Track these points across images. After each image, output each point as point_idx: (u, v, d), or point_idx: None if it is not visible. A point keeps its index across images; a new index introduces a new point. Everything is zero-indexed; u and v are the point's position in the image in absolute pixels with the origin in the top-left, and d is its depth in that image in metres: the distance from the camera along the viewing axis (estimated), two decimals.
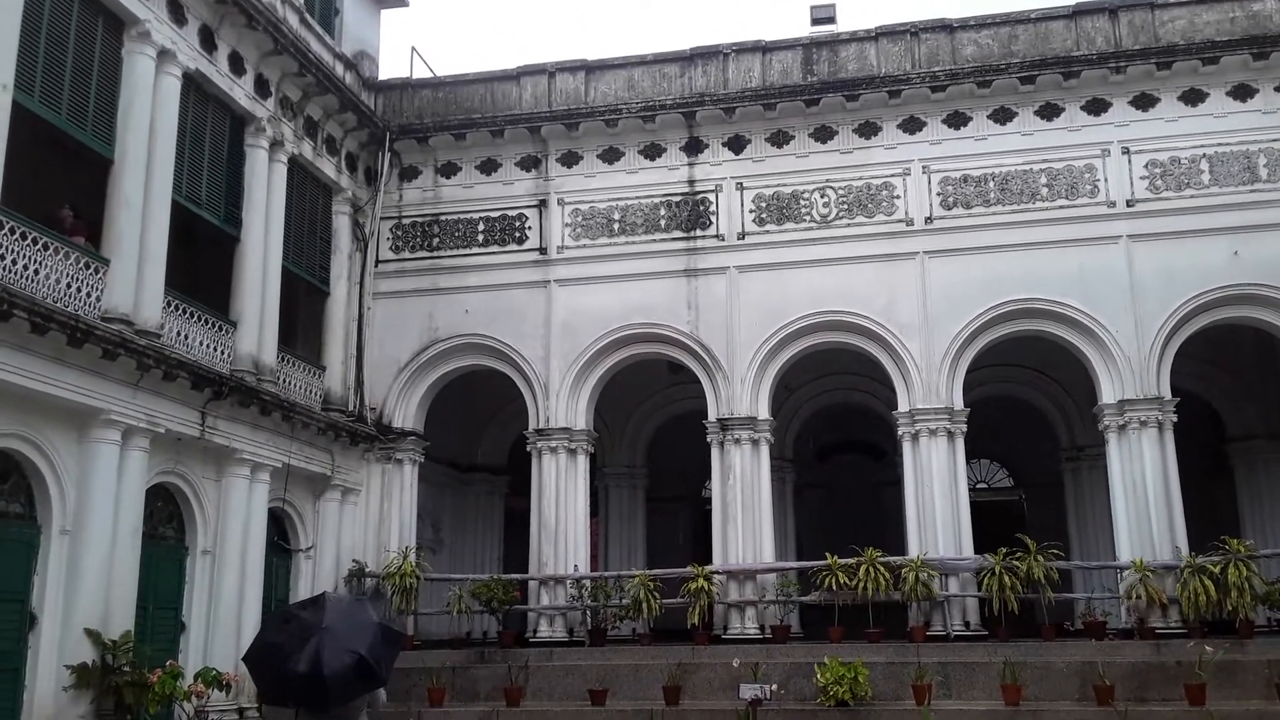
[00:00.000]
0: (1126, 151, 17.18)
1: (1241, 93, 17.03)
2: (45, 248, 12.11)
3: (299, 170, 17.38)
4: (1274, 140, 16.73)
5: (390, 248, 19.37)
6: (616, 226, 18.62)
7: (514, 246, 18.92)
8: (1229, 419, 20.68)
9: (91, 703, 12.10)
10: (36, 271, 11.92)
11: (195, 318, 14.66)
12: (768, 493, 17.56)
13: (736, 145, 18.50)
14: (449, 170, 19.47)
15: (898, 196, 17.79)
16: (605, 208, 18.71)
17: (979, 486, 24.17)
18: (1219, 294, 16.52)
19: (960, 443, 17.05)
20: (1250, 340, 18.43)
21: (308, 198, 17.81)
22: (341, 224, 18.61)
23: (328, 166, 18.19)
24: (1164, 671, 13.99)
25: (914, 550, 16.43)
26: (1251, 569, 15.06)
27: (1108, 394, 16.73)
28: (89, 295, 12.67)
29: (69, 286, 12.39)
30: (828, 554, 16.42)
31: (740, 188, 18.33)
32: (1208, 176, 16.88)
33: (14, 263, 11.62)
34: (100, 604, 12.35)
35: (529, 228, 18.93)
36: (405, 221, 19.43)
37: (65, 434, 12.34)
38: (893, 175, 17.88)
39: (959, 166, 17.65)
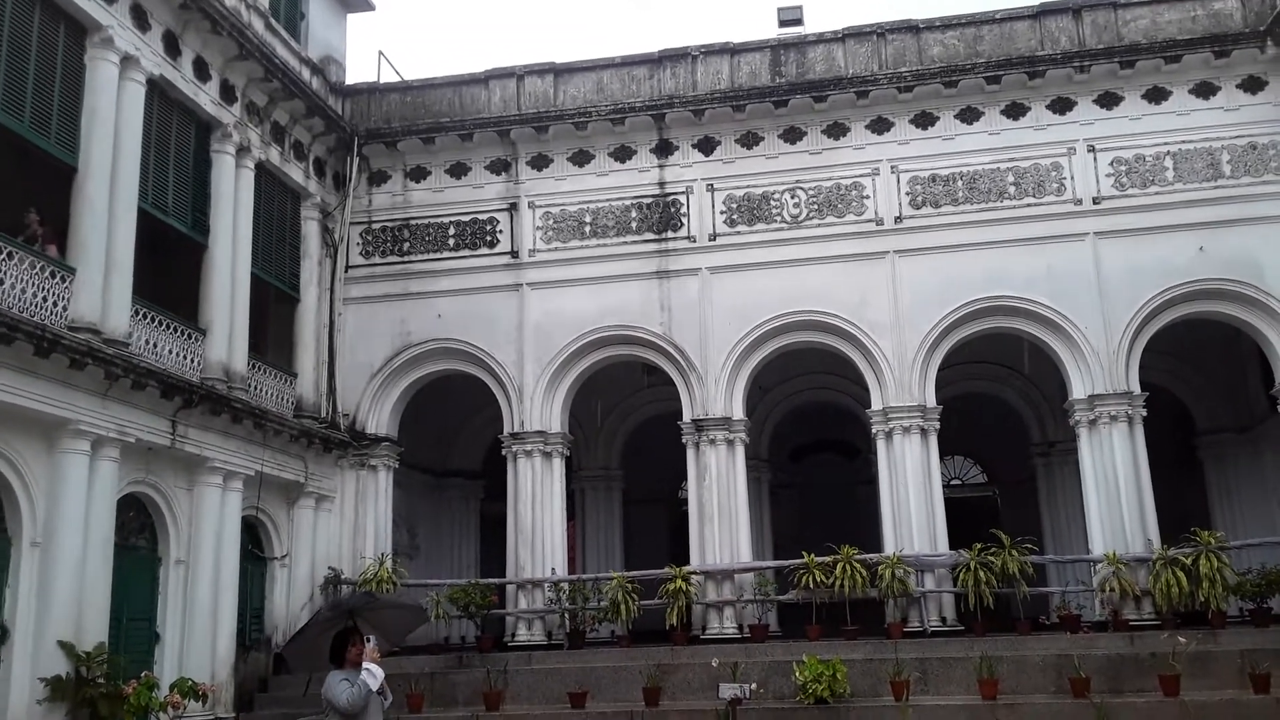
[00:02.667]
0: (1092, 149, 17.37)
1: (1204, 90, 17.26)
2: (10, 257, 11.97)
3: (266, 176, 17.25)
4: (1237, 137, 16.97)
5: (360, 253, 19.28)
6: (588, 229, 18.61)
7: (485, 250, 18.87)
8: (1198, 413, 20.94)
9: (66, 715, 11.94)
10: (1, 281, 11.76)
11: (164, 326, 14.52)
12: (744, 493, 17.59)
13: (706, 147, 18.55)
14: (418, 174, 19.40)
15: (867, 196, 17.89)
16: (576, 210, 18.70)
17: (953, 483, 24.34)
18: (1185, 289, 16.72)
19: (934, 440, 17.17)
20: (1218, 335, 18.65)
21: (276, 203, 17.69)
22: (310, 230, 18.50)
23: (296, 172, 18.08)
24: (1138, 663, 14.11)
25: (890, 548, 16.52)
26: (1223, 560, 15.22)
27: (1078, 389, 16.89)
28: (55, 304, 12.52)
29: (35, 296, 12.24)
30: (804, 553, 16.46)
31: (711, 189, 18.38)
32: (1172, 173, 17.09)
33: None
34: (73, 616, 12.20)
35: (500, 231, 18.89)
36: (375, 226, 19.33)
37: (34, 445, 12.18)
38: (862, 175, 17.98)
39: (927, 166, 17.78)
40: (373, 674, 7.73)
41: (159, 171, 14.79)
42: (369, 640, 7.86)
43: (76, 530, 12.35)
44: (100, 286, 13.12)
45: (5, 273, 11.86)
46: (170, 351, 14.53)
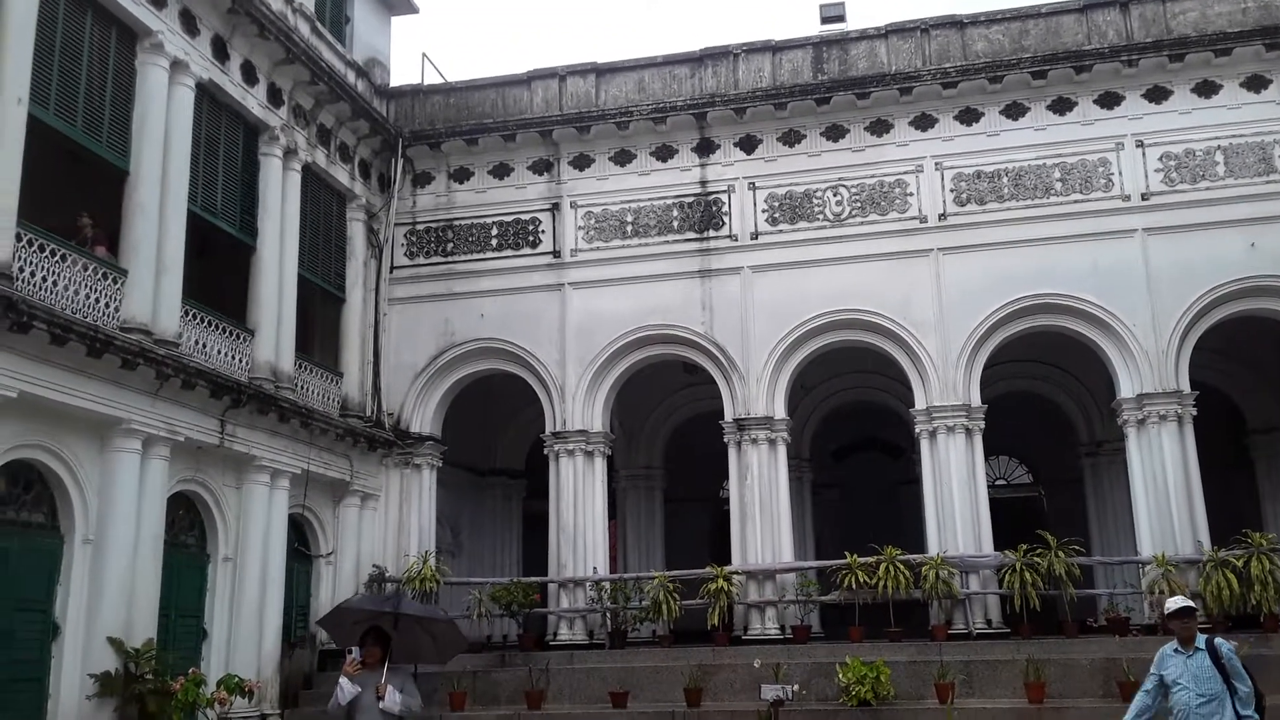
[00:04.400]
0: (1140, 145, 17.11)
1: (1255, 83, 16.94)
2: (63, 259, 12.19)
3: (313, 178, 17.46)
4: None
5: (405, 253, 19.44)
6: (629, 228, 18.64)
7: (527, 250, 18.96)
8: (1249, 412, 20.58)
9: (115, 711, 12.17)
10: (55, 283, 12.00)
11: (213, 326, 14.74)
12: (785, 492, 17.53)
13: (748, 145, 18.50)
14: (462, 175, 19.52)
15: (910, 194, 17.75)
16: (618, 210, 18.73)
17: (998, 483, 24.08)
18: (1236, 286, 16.42)
19: (978, 439, 17.00)
20: (1269, 332, 18.31)
21: (322, 205, 17.89)
22: (356, 231, 18.68)
23: (341, 174, 18.27)
24: None
25: (933, 548, 16.38)
26: (1275, 562, 14.92)
27: (1126, 388, 16.65)
28: (107, 306, 12.75)
29: (88, 297, 12.47)
30: (847, 553, 16.37)
31: (753, 187, 18.33)
32: (1222, 168, 16.80)
33: (33, 274, 11.70)
34: (123, 612, 12.42)
35: (542, 231, 18.96)
36: (419, 227, 19.49)
37: (86, 444, 12.42)
38: (905, 172, 17.84)
39: (972, 162, 17.61)
40: (341, 689, 7.92)
41: (208, 174, 15.01)
42: (350, 651, 8.03)
43: (127, 528, 12.58)
44: (151, 288, 13.34)
45: (59, 275, 12.09)
46: (219, 351, 14.74)
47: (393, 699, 7.85)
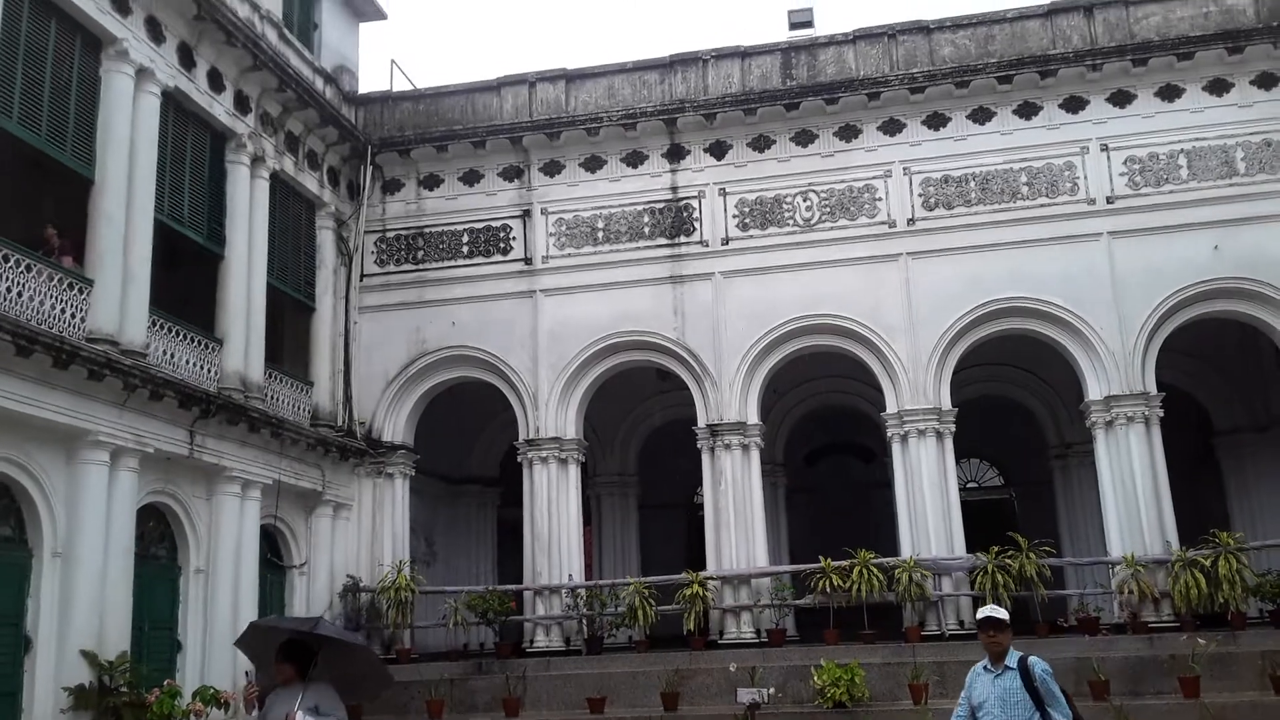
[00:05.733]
0: (1105, 149, 17.31)
1: (1217, 87, 17.18)
2: (28, 269, 12.05)
3: (281, 186, 17.34)
4: (1251, 134, 16.89)
5: (375, 261, 19.35)
6: (601, 235, 18.65)
7: (499, 257, 18.93)
8: (1215, 413, 20.81)
9: None
10: (20, 293, 11.85)
11: (181, 336, 14.61)
12: (759, 497, 17.58)
13: (718, 151, 18.56)
14: (432, 182, 19.46)
15: (879, 198, 17.87)
16: (589, 216, 18.74)
17: (969, 486, 24.26)
18: (1201, 289, 16.65)
19: (949, 442, 17.12)
20: (1234, 335, 18.56)
21: (291, 213, 17.78)
22: (325, 239, 18.58)
23: (310, 181, 18.16)
24: (1158, 665, 14.05)
25: (906, 551, 16.48)
26: (1242, 561, 15.16)
27: (1094, 390, 16.82)
28: (73, 316, 12.61)
29: (53, 308, 12.33)
30: (821, 557, 16.45)
31: (723, 193, 18.39)
32: (1186, 172, 17.02)
33: None
34: (95, 625, 12.28)
35: (513, 238, 18.93)
36: (389, 235, 19.41)
37: (53, 456, 12.27)
38: (874, 177, 17.96)
39: (939, 167, 17.75)
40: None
41: (174, 183, 14.88)
42: (248, 676, 7.32)
43: (97, 540, 12.43)
44: (118, 298, 13.21)
45: (24, 285, 11.94)
46: (187, 362, 14.61)
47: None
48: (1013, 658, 6.68)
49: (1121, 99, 17.44)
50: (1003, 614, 6.81)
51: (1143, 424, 16.46)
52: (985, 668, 6.82)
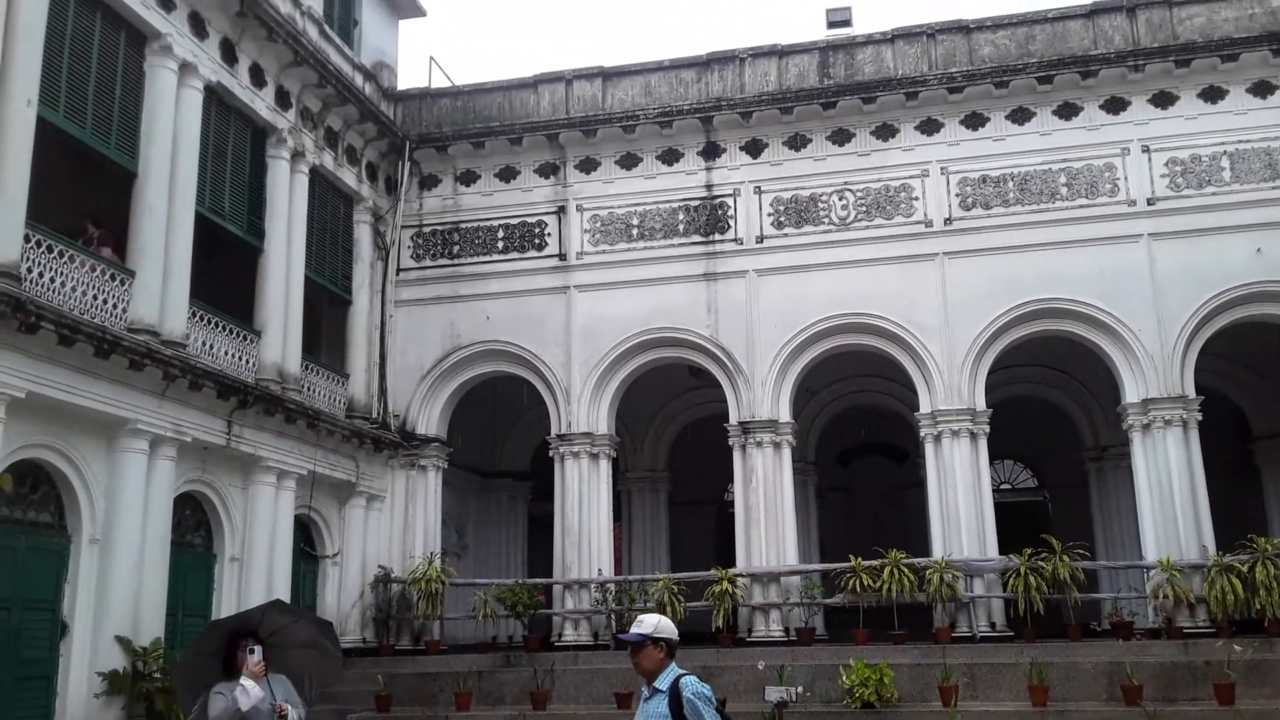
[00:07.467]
0: (1146, 150, 17.12)
1: (1262, 89, 16.95)
2: (71, 260, 12.25)
3: (320, 180, 17.53)
4: None
5: (411, 256, 19.50)
6: (635, 232, 18.68)
7: (534, 253, 19.01)
8: (1254, 417, 20.55)
9: (123, 709, 12.23)
10: (63, 284, 12.05)
11: (220, 327, 14.80)
12: (790, 495, 17.54)
13: (754, 149, 18.53)
14: (468, 178, 19.58)
15: (916, 198, 17.77)
16: (624, 213, 18.77)
17: (1003, 487, 24.05)
18: (1242, 292, 16.44)
19: (983, 443, 17.01)
20: (1273, 338, 18.30)
21: (329, 207, 17.96)
22: (363, 233, 18.75)
23: (348, 176, 18.33)
24: (1192, 671, 13.90)
25: (938, 552, 16.40)
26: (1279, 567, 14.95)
27: (1131, 393, 16.66)
28: (115, 307, 12.81)
29: (95, 298, 12.53)
30: (851, 556, 16.40)
31: (758, 191, 18.36)
32: (1229, 174, 16.80)
33: (41, 275, 11.75)
34: (130, 611, 12.49)
35: (548, 234, 19.01)
36: (426, 230, 19.55)
37: (94, 444, 12.48)
38: (911, 177, 17.87)
39: (977, 167, 17.63)
40: (246, 691, 6.82)
41: (216, 176, 15.08)
42: (253, 651, 6.97)
43: (134, 527, 12.64)
44: (159, 289, 13.41)
45: (67, 276, 12.15)
46: (226, 353, 14.81)
47: (294, 717, 6.94)
48: (667, 678, 5.62)
49: (1164, 100, 17.24)
50: (646, 629, 5.65)
51: (1180, 427, 16.27)
52: (641, 688, 5.84)
